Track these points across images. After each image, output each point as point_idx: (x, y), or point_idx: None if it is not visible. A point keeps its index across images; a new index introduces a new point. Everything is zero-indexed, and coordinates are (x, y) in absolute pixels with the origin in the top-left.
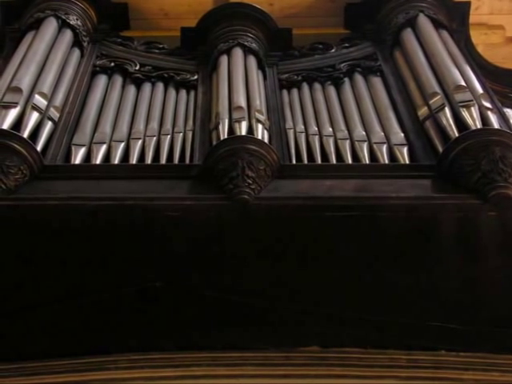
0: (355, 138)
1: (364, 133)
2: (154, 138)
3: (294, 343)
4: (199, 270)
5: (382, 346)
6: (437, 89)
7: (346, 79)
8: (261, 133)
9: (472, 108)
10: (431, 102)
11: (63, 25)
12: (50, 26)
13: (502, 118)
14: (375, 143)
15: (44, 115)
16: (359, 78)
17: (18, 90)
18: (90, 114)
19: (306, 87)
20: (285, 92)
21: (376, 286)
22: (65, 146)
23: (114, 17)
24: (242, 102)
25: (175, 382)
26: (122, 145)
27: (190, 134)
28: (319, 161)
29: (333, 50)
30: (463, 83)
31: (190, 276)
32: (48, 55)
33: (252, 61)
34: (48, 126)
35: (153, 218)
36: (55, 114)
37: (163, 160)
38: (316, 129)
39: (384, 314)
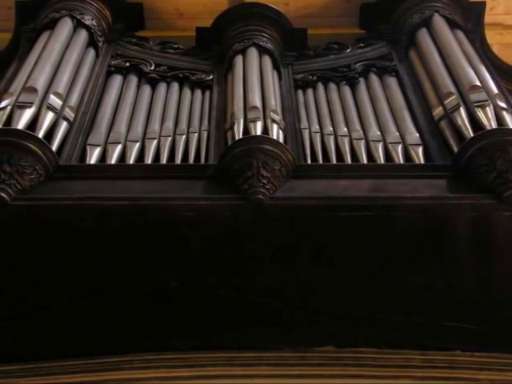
0: (370, 137)
1: (379, 133)
2: (169, 138)
3: (309, 343)
4: (214, 269)
5: (397, 346)
6: (452, 89)
7: (361, 79)
8: (276, 133)
9: (487, 108)
10: (446, 102)
11: (78, 25)
12: (65, 26)
13: None
14: (390, 143)
15: (59, 115)
16: (374, 78)
17: (33, 90)
18: (105, 113)
19: (321, 87)
20: (300, 92)
21: (391, 285)
22: (80, 145)
23: (129, 17)
24: (257, 102)
25: (190, 382)
26: (137, 145)
27: (205, 134)
28: (334, 161)
29: (348, 50)
30: (478, 83)
31: (204, 276)
32: (63, 55)
33: (267, 61)
34: (63, 126)
35: (168, 218)
36: (70, 114)
37: (178, 160)
38: (331, 129)
39: (399, 314)
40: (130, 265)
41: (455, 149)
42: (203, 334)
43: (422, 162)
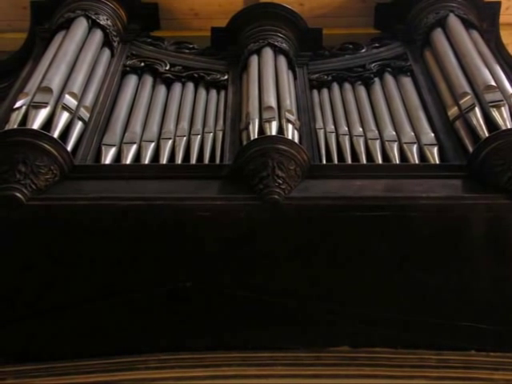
0: (385, 137)
1: (394, 133)
2: (185, 138)
3: (325, 343)
4: (230, 269)
5: (412, 346)
6: (467, 89)
7: (377, 79)
8: (291, 133)
9: (502, 108)
10: (461, 102)
11: (93, 25)
12: (81, 25)
13: None
14: (405, 143)
15: (74, 115)
16: (389, 78)
17: (49, 90)
18: (120, 113)
19: (336, 87)
20: (315, 92)
21: (406, 285)
22: (95, 145)
23: (145, 17)
24: (273, 102)
25: (205, 382)
26: (153, 145)
27: (220, 134)
28: (349, 161)
29: (363, 50)
30: (493, 83)
31: (220, 276)
32: (78, 55)
33: (282, 61)
34: (78, 126)
35: (183, 218)
36: (85, 114)
37: (193, 160)
38: (346, 129)
39: (414, 314)
40: (145, 265)
41: (470, 149)
42: (218, 334)
43: (437, 162)
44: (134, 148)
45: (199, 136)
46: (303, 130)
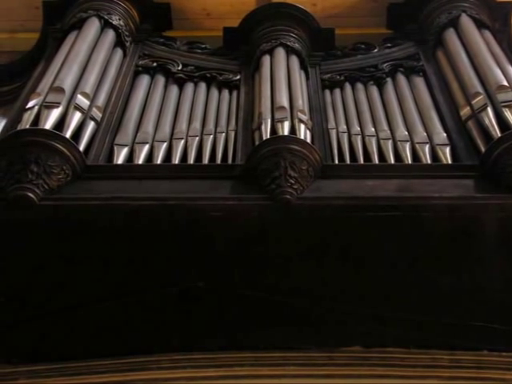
0: (398, 137)
1: (406, 133)
2: (197, 138)
3: (337, 343)
4: (242, 269)
5: (425, 346)
6: (479, 89)
7: (389, 79)
8: (303, 133)
9: None
10: (473, 101)
11: (106, 25)
12: (93, 25)
13: None
14: (418, 143)
15: (86, 115)
16: (402, 78)
17: (61, 90)
18: (133, 113)
19: (348, 87)
20: (327, 92)
21: (418, 285)
22: (107, 145)
23: (157, 17)
24: (285, 102)
25: (218, 382)
26: (165, 145)
27: (232, 134)
28: (362, 161)
29: (375, 50)
30: (506, 83)
31: (232, 276)
32: (90, 55)
33: (294, 61)
34: (90, 126)
35: (195, 218)
36: (98, 114)
37: (206, 160)
38: (358, 129)
39: (426, 313)
40: (157, 265)
41: (482, 149)
42: (230, 334)
43: (450, 161)
44: (146, 148)
45: (211, 136)
46: (315, 129)
